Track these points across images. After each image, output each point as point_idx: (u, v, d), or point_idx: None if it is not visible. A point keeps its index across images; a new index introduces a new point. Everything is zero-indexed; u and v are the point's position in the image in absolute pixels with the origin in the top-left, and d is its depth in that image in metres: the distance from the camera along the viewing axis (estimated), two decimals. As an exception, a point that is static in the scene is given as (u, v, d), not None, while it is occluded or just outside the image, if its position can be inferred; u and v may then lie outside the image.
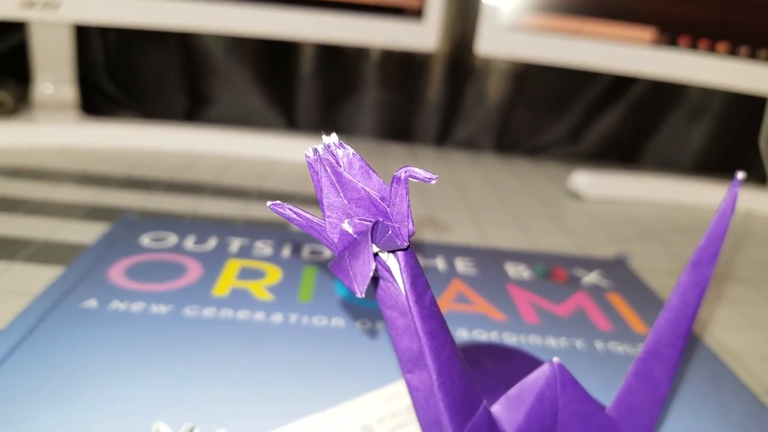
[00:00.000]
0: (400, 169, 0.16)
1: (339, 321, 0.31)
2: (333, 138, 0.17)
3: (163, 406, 0.24)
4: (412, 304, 0.18)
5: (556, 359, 0.19)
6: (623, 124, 0.73)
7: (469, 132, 0.75)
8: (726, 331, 0.39)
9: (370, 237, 0.16)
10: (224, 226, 0.41)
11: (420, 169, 0.16)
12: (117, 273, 0.33)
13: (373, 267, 0.15)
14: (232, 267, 0.35)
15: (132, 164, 0.55)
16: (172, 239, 0.38)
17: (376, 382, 0.27)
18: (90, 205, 0.45)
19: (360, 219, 0.17)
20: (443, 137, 0.75)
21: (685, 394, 0.28)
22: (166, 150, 0.60)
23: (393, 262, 0.18)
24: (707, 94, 0.71)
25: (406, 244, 0.17)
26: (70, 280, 0.32)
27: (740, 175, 0.21)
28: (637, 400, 0.20)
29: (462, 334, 0.31)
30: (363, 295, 0.15)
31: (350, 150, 0.17)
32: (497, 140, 0.75)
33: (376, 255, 0.17)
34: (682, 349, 0.21)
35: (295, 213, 0.17)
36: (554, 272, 0.39)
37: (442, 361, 0.18)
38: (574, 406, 0.19)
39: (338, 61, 0.70)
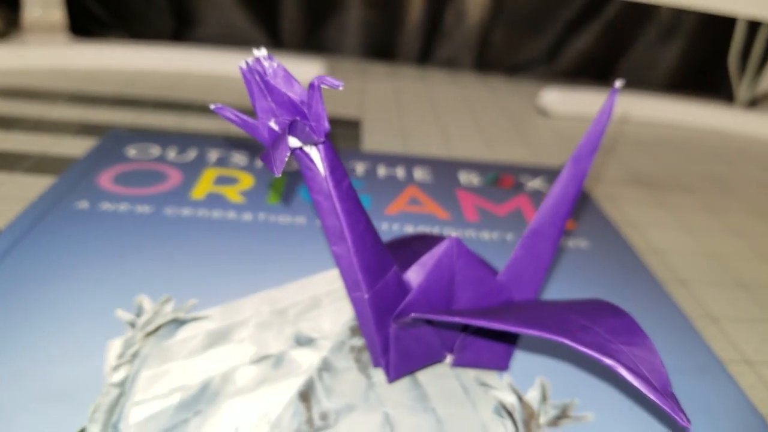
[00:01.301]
0: (315, 78, 0.20)
1: (302, 219, 0.35)
2: (262, 52, 0.21)
3: (145, 284, 0.29)
4: (331, 187, 0.22)
5: (454, 234, 0.24)
6: (598, 43, 0.75)
7: (450, 51, 0.77)
8: (656, 231, 0.44)
9: (288, 131, 0.20)
10: (204, 139, 0.45)
11: (330, 78, 0.20)
12: (106, 179, 0.37)
13: (288, 153, 0.19)
14: (210, 175, 0.39)
15: (121, 84, 0.58)
16: (155, 151, 0.42)
17: (327, 266, 0.31)
18: (82, 122, 0.49)
19: (283, 118, 0.21)
20: (425, 56, 0.78)
21: (596, 279, 0.33)
22: (154, 69, 0.63)
23: (315, 154, 0.22)
24: (679, 14, 0.72)
25: (322, 139, 0.21)
26: (64, 185, 0.36)
27: (618, 83, 0.24)
28: (523, 268, 0.25)
29: (408, 229, 0.36)
30: (279, 174, 0.19)
31: (276, 62, 0.21)
32: (477, 59, 0.78)
33: (300, 148, 0.22)
34: (561, 229, 0.25)
35: (235, 114, 0.21)
36: (502, 179, 0.44)
37: (357, 233, 0.23)
38: (467, 271, 0.24)
39: (321, -20, 0.72)
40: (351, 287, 0.24)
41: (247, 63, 0.21)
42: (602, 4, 0.73)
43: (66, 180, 0.37)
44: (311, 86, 0.20)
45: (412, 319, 0.22)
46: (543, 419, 0.24)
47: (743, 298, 0.36)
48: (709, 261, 0.40)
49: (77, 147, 0.44)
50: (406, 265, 0.25)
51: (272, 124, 0.21)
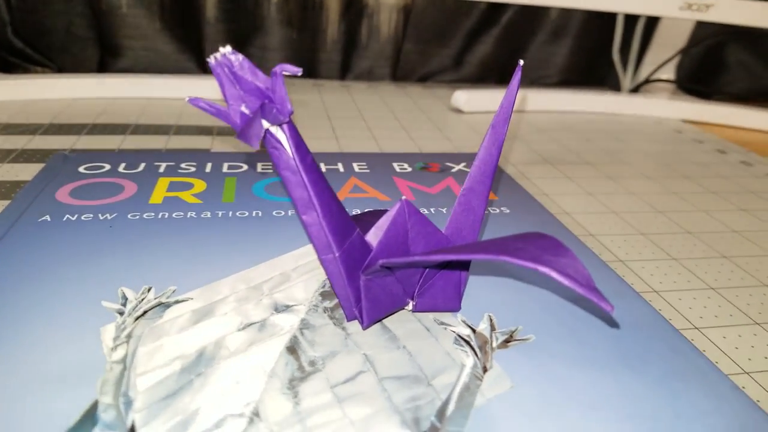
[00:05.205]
0: (276, 66, 0.24)
1: (258, 212, 0.39)
2: (227, 48, 0.24)
3: (123, 278, 0.31)
4: (298, 162, 0.26)
5: (403, 197, 0.28)
6: (498, 48, 0.83)
7: (368, 64, 0.82)
8: (565, 198, 0.50)
9: (260, 113, 0.24)
10: (151, 154, 0.47)
11: (289, 65, 0.24)
12: (62, 195, 0.39)
13: (264, 130, 0.23)
14: (163, 183, 0.42)
15: (52, 113, 0.59)
16: (106, 166, 0.44)
17: (292, 247, 0.35)
18: (20, 149, 0.49)
19: (253, 103, 0.24)
20: (345, 70, 0.82)
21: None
22: (82, 97, 0.63)
23: (281, 134, 0.26)
24: (566, 14, 0.82)
25: (287, 119, 0.25)
26: (22, 203, 0.37)
27: (521, 62, 0.30)
28: (462, 222, 0.30)
29: (356, 212, 0.40)
30: (258, 147, 0.23)
31: (240, 56, 0.24)
32: (392, 71, 0.83)
33: (267, 130, 0.25)
34: (489, 186, 0.30)
35: (208, 104, 0.25)
36: (430, 165, 0.49)
37: (324, 200, 0.26)
38: (418, 227, 0.29)
39: (241, 3, 0.75)
40: (322, 251, 0.28)
41: (215, 58, 0.24)
42: (498, 12, 0.81)
43: (22, 199, 0.38)
44: (273, 74, 0.24)
45: (380, 266, 0.26)
46: (494, 343, 0.29)
47: (644, 243, 0.43)
48: (612, 217, 0.47)
49: (21, 172, 0.45)
50: (363, 232, 0.29)
51: (243, 109, 0.24)
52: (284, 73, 0.24)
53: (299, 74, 0.24)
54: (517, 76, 0.29)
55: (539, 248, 0.24)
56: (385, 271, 0.28)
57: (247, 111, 0.24)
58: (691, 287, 0.37)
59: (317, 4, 0.77)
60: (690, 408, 0.25)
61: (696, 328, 0.33)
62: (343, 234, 0.27)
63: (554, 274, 0.23)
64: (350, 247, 0.27)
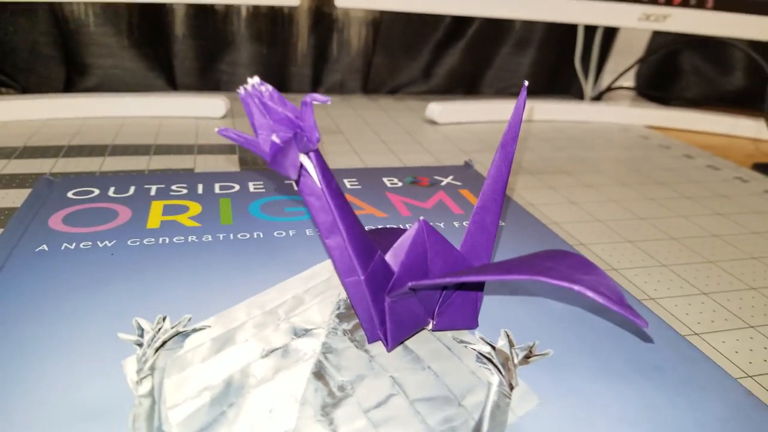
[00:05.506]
0: (306, 95, 0.24)
1: (259, 234, 0.38)
2: (255, 79, 0.24)
3: (135, 308, 0.30)
4: (324, 187, 0.26)
5: (421, 218, 0.29)
6: (465, 60, 0.84)
7: (339, 77, 0.82)
8: (550, 208, 0.52)
9: (294, 142, 0.24)
10: (138, 177, 0.46)
11: (319, 95, 0.24)
12: (56, 222, 0.37)
13: (300, 161, 0.23)
14: (157, 206, 0.41)
15: (24, 136, 0.57)
16: (95, 191, 0.42)
17: (298, 269, 0.35)
18: (-3, 175, 0.47)
19: (284, 132, 0.24)
20: (316, 84, 0.82)
21: (520, 247, 0.40)
22: (53, 119, 0.61)
23: (307, 162, 0.26)
24: (529, 26, 0.84)
25: (316, 147, 0.25)
26: (15, 233, 0.36)
27: (526, 82, 0.31)
28: (476, 240, 0.31)
29: (357, 231, 0.40)
30: (297, 177, 0.23)
31: (270, 86, 0.24)
32: (363, 83, 0.84)
33: (294, 157, 0.25)
34: (501, 204, 0.31)
35: (236, 134, 0.25)
36: (419, 180, 0.49)
37: (348, 224, 0.27)
38: (437, 247, 0.29)
39: (210, 20, 0.74)
40: (346, 274, 0.28)
41: (245, 89, 0.24)
42: (464, 25, 0.82)
43: (14, 228, 0.36)
44: (304, 103, 0.24)
45: (408, 289, 0.27)
46: (516, 359, 0.29)
47: (632, 250, 0.45)
48: (599, 225, 0.49)
49: (3, 199, 0.43)
50: (382, 251, 0.30)
51: (274, 138, 0.24)
52: (314, 102, 0.24)
53: (328, 103, 0.24)
54: (522, 96, 0.30)
55: (570, 267, 0.25)
56: (409, 293, 0.28)
57: (278, 140, 0.24)
58: (685, 293, 0.38)
59: (286, 19, 0.77)
60: (710, 416, 0.26)
61: (696, 333, 0.34)
62: (367, 257, 0.27)
63: (590, 293, 0.23)
64: (374, 269, 0.28)
